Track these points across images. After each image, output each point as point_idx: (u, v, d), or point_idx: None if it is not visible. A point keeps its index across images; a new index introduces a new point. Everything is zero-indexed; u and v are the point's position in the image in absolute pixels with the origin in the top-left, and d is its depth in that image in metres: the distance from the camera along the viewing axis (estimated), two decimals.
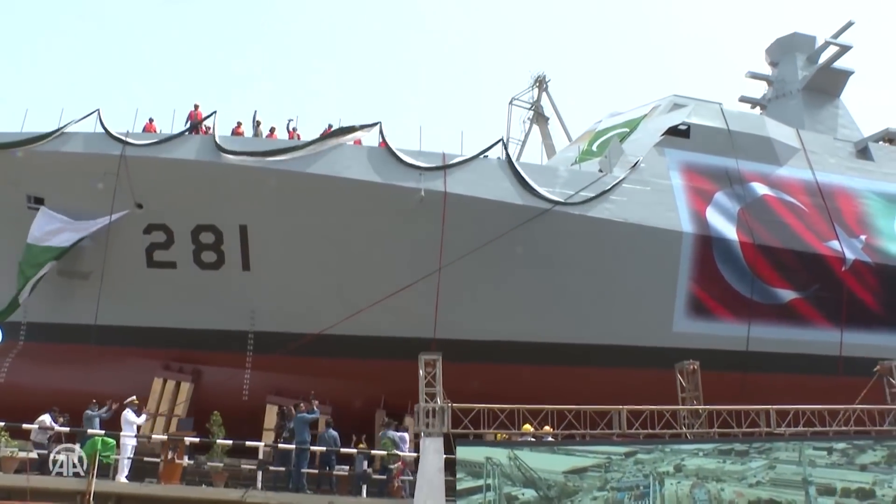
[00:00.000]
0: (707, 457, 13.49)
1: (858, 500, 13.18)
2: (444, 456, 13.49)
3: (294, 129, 20.64)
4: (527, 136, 32.07)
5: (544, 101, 32.38)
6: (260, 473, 15.23)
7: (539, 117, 32.27)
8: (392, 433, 16.68)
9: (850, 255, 21.32)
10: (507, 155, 19.99)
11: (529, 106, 32.49)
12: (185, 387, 19.49)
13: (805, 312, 21.08)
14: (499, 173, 19.59)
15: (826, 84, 27.36)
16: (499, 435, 14.66)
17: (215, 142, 18.63)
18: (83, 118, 19.60)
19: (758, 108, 28.93)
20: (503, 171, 19.65)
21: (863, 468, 13.45)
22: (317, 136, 19.83)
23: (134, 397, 16.30)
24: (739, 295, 20.64)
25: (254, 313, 20.01)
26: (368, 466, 16.55)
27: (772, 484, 13.31)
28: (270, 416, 19.18)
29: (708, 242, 20.36)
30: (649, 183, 20.69)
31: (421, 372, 13.91)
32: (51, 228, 19.47)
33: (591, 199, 19.71)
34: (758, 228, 20.88)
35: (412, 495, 14.03)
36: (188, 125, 19.91)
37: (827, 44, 27.73)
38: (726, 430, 14.66)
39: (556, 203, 19.25)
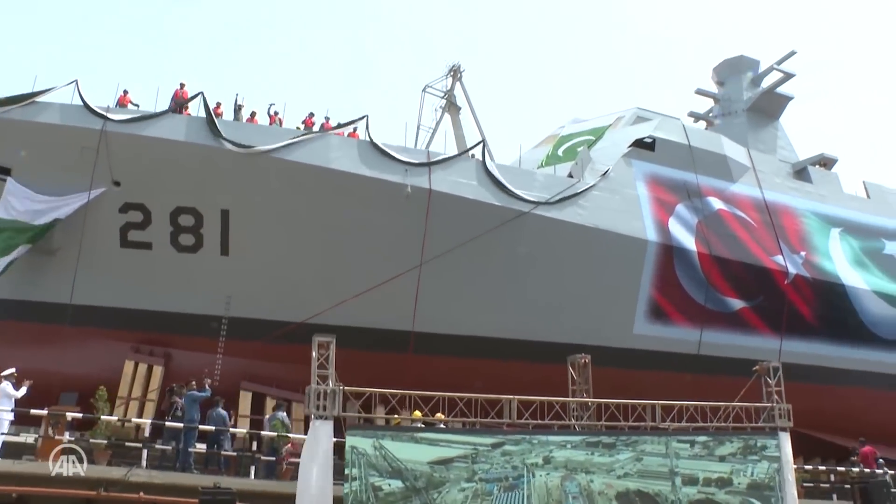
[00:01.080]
0: (575, 449, 13.92)
1: (718, 488, 14.25)
2: (335, 440, 13.47)
3: (276, 114, 20.99)
4: (438, 124, 32.20)
5: (458, 91, 32.66)
6: (145, 452, 15.09)
7: (451, 107, 32.54)
8: (282, 415, 17.13)
9: (792, 270, 23.44)
10: (484, 157, 20.90)
11: (443, 94, 32.78)
12: (157, 370, 19.57)
13: (750, 320, 23.05)
14: (479, 174, 20.55)
15: (768, 106, 29.66)
16: (395, 420, 14.93)
17: (215, 127, 18.76)
18: (60, 87, 19.35)
19: (704, 123, 30.93)
20: (482, 171, 20.63)
21: (722, 459, 14.56)
22: (298, 122, 20.49)
23: (13, 370, 15.78)
24: (694, 302, 22.37)
25: (229, 299, 20.24)
26: (258, 449, 16.93)
27: (639, 475, 13.95)
28: (244, 402, 19.57)
29: (670, 251, 21.97)
30: (617, 192, 22.12)
31: (314, 353, 13.73)
32: (25, 206, 19.12)
33: (563, 201, 20.97)
34: (713, 240, 22.67)
35: None
36: (172, 104, 19.93)
37: (771, 69, 30.03)
38: (613, 423, 15.11)
39: (535, 205, 20.41)
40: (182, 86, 20.44)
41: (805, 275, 23.72)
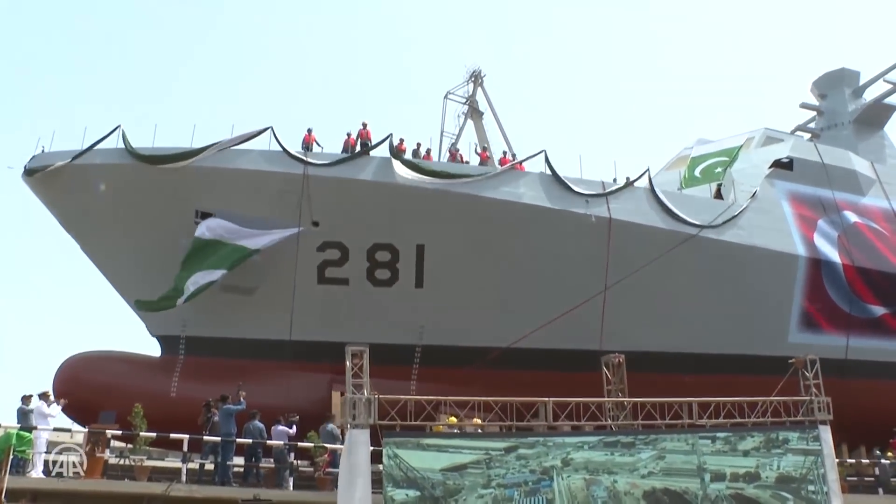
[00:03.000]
0: (593, 449, 14.09)
1: (746, 483, 14.63)
2: (371, 448, 13.74)
3: (427, 151, 22.85)
4: (461, 130, 32.84)
5: (479, 97, 33.15)
6: (185, 466, 15.26)
7: (474, 112, 33.03)
8: (331, 427, 17.42)
9: None
10: (651, 185, 22.99)
11: (464, 101, 33.29)
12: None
13: (893, 325, 25.23)
14: (650, 201, 22.66)
15: (874, 117, 31.87)
16: (437, 427, 15.11)
17: (414, 166, 20.77)
18: (257, 134, 21.33)
19: (810, 135, 33.03)
20: (652, 198, 22.74)
21: (745, 454, 14.99)
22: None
23: (49, 389, 16.40)
24: (840, 310, 24.55)
25: (422, 328, 22.26)
26: (296, 459, 17.09)
27: (664, 473, 14.22)
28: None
29: (818, 265, 24.13)
30: (767, 211, 24.24)
31: (348, 363, 14.20)
32: (228, 230, 20.94)
33: (725, 223, 23.09)
34: (854, 252, 24.85)
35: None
36: (353, 143, 21.93)
37: (876, 79, 32.20)
38: (651, 422, 15.41)
39: (701, 228, 22.54)
40: (364, 125, 22.45)
41: None
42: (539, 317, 21.47)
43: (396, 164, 20.93)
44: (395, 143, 21.49)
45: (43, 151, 21.37)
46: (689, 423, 15.32)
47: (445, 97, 33.54)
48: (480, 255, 21.65)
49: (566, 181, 21.88)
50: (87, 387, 20.81)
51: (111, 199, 21.29)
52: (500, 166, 22.95)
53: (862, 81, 33.14)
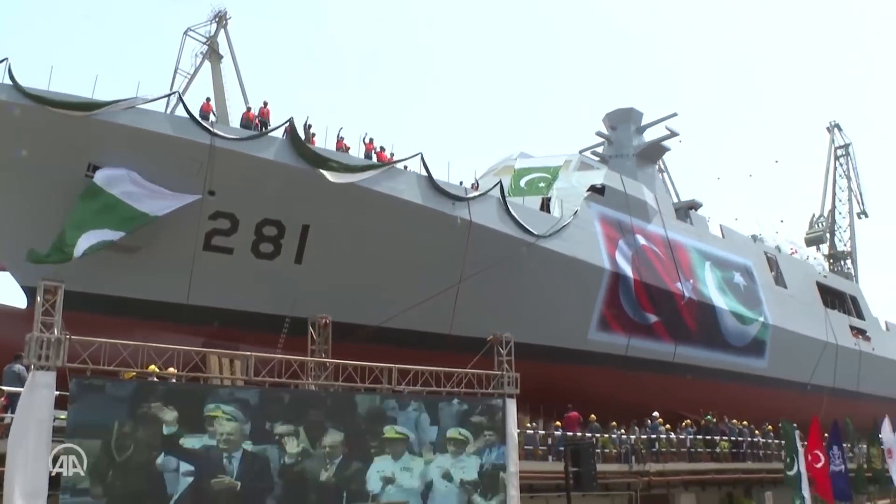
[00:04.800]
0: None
1: (456, 448, 17.02)
2: (57, 393, 13.09)
3: (342, 139, 25.44)
4: (197, 70, 31.80)
5: (221, 39, 32.12)
6: None
7: (213, 54, 31.95)
8: (18, 367, 15.60)
9: (686, 293, 32.92)
10: (503, 196, 27.33)
11: (205, 40, 32.03)
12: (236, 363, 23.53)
13: (658, 330, 32.15)
14: (500, 210, 26.98)
15: (652, 153, 39.27)
16: (126, 374, 14.32)
17: (309, 150, 23.01)
18: (161, 97, 22.37)
19: (599, 159, 39.65)
20: (502, 208, 27.08)
21: (462, 423, 17.29)
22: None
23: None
24: (627, 316, 30.85)
25: (294, 301, 24.58)
26: None
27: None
28: None
29: (617, 277, 30.17)
30: (583, 228, 29.78)
31: (39, 299, 13.42)
32: (135, 190, 21.68)
33: (553, 234, 28.15)
34: (642, 269, 31.32)
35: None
36: (256, 121, 23.71)
37: (653, 123, 39.65)
38: (350, 384, 16.48)
39: (538, 237, 27.35)
40: (265, 104, 24.26)
41: (693, 297, 33.38)
42: (404, 301, 24.88)
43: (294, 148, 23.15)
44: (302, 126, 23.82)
45: None
46: (387, 388, 16.85)
47: (185, 33, 32.27)
48: (358, 241, 24.48)
49: (438, 184, 25.46)
50: None
51: None
52: (374, 159, 25.86)
53: (644, 122, 40.51)
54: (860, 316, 48.98)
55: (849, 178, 72.52)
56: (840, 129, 74.11)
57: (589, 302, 29.64)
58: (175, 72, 31.29)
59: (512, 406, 18.31)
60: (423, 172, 25.50)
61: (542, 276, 27.87)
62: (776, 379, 38.29)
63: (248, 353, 15.48)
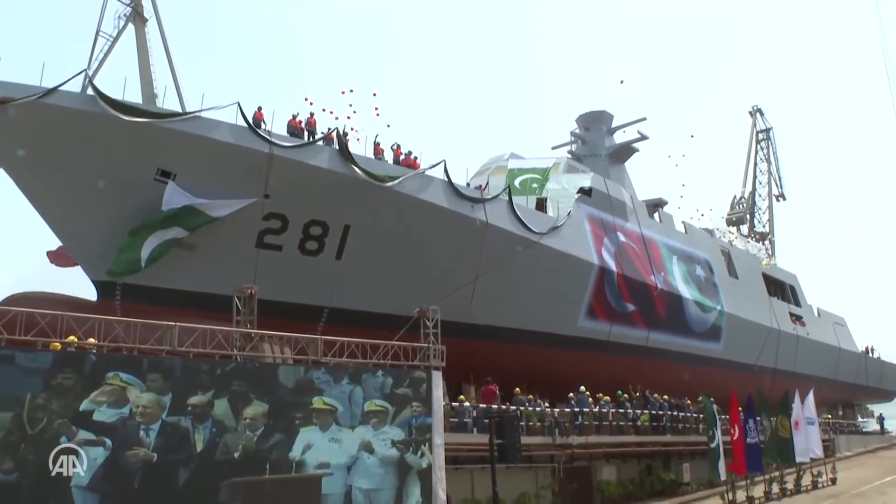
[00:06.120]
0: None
1: (378, 420, 17.11)
2: None
3: (378, 144, 28.77)
4: (120, 33, 30.36)
5: (147, 2, 30.59)
6: None
7: (137, 17, 30.52)
8: None
9: (659, 285, 37.62)
10: (511, 199, 31.20)
11: (129, 1, 30.45)
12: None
13: (636, 318, 36.78)
14: (509, 212, 30.86)
15: (622, 154, 43.80)
16: (53, 345, 14.31)
17: (352, 161, 26.31)
18: (223, 107, 25.27)
19: (572, 157, 43.90)
20: (509, 209, 30.97)
21: (386, 395, 17.46)
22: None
23: None
24: (610, 305, 35.31)
25: (332, 293, 27.94)
26: None
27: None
28: None
29: (603, 271, 34.53)
30: (575, 227, 33.98)
31: None
32: (195, 202, 24.68)
33: (551, 232, 32.25)
34: (623, 264, 35.78)
35: None
36: (300, 127, 26.88)
37: (623, 125, 44.18)
38: (275, 355, 16.76)
39: (541, 235, 31.42)
40: (312, 115, 27.38)
41: (664, 289, 38.13)
42: (432, 294, 28.51)
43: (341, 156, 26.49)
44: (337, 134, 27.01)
45: None
46: (313, 360, 17.02)
47: None
48: (391, 239, 28.03)
49: (459, 189, 29.18)
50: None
51: (68, 142, 23.68)
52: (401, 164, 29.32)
53: (614, 124, 45.00)
54: (797, 303, 55.31)
55: (769, 162, 79.44)
56: (762, 114, 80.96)
57: (580, 293, 33.91)
58: (96, 34, 29.70)
59: (438, 378, 18.51)
60: (445, 178, 29.16)
61: (540, 271, 31.95)
62: (729, 361, 43.72)
63: (173, 324, 15.43)
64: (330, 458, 16.19)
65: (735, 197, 77.94)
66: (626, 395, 30.88)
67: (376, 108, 29.22)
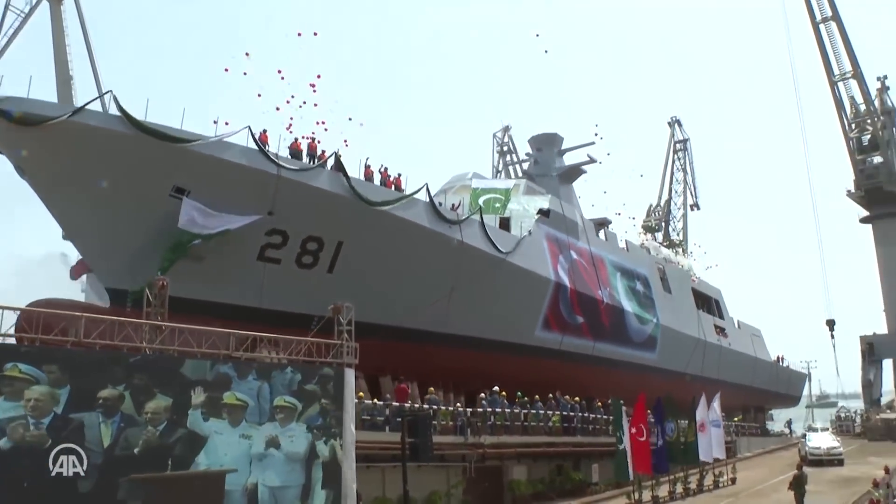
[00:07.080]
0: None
1: (285, 416, 16.86)
2: None
3: (368, 167, 31.92)
4: (33, 9, 31.83)
5: None
6: None
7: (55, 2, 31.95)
8: None
9: (605, 300, 41.93)
10: (482, 221, 34.82)
11: None
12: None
13: (584, 330, 40.96)
14: (481, 231, 34.49)
15: (571, 174, 47.99)
16: None
17: (352, 187, 29.45)
18: (237, 131, 28.03)
19: (525, 177, 47.83)
20: (482, 230, 34.59)
21: (294, 392, 17.19)
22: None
23: None
24: (563, 318, 39.34)
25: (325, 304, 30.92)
26: None
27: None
28: None
29: (558, 287, 38.54)
30: (535, 245, 37.86)
31: None
32: (203, 219, 27.37)
33: (514, 250, 36.05)
34: (575, 280, 39.90)
35: None
36: (305, 152, 29.87)
37: (572, 148, 48.40)
38: (187, 349, 16.17)
39: (506, 254, 35.17)
40: (313, 139, 30.36)
41: (609, 303, 42.46)
42: (413, 304, 31.94)
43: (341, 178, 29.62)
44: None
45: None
46: (224, 354, 16.75)
47: None
48: (378, 255, 31.26)
49: (439, 210, 32.65)
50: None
51: (94, 161, 26.09)
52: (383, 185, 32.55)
53: (564, 146, 49.23)
54: (721, 316, 60.93)
55: (685, 172, 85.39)
56: (680, 125, 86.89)
57: (537, 306, 37.84)
58: (6, 8, 30.96)
59: (350, 375, 18.50)
60: (427, 199, 32.59)
61: (505, 285, 35.73)
62: (662, 369, 48.53)
63: (80, 315, 15.07)
64: (236, 454, 15.91)
65: (651, 205, 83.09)
66: (533, 398, 32.45)
67: (313, 86, 31.45)
